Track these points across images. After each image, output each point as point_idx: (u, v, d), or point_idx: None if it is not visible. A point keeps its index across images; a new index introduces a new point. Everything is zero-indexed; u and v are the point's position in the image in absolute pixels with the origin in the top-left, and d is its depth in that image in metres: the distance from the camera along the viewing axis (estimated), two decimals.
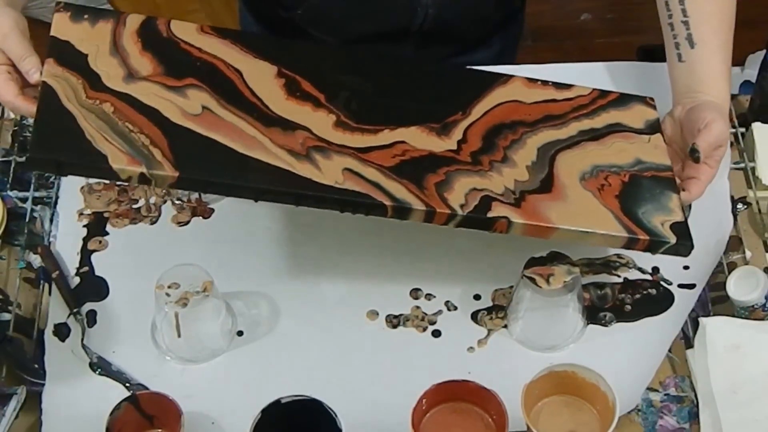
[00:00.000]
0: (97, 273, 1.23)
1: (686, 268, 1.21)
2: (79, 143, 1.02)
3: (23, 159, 1.31)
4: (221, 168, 1.05)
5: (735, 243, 1.24)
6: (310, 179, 1.06)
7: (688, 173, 1.17)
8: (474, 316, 1.20)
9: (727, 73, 1.22)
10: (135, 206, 1.28)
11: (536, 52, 2.45)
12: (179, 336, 1.14)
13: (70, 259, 1.24)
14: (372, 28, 1.40)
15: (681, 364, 1.16)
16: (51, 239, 1.26)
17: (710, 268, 1.22)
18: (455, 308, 1.20)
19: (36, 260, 1.23)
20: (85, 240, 1.25)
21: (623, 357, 1.16)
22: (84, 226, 1.26)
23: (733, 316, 1.17)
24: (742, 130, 1.34)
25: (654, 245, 1.11)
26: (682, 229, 1.12)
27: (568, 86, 1.23)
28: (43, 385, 1.14)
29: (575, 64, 1.41)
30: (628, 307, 1.20)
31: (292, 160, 1.07)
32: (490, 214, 1.08)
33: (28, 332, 1.18)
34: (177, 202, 1.28)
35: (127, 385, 1.14)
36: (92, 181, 1.29)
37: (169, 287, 1.12)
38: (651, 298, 1.20)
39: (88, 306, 1.20)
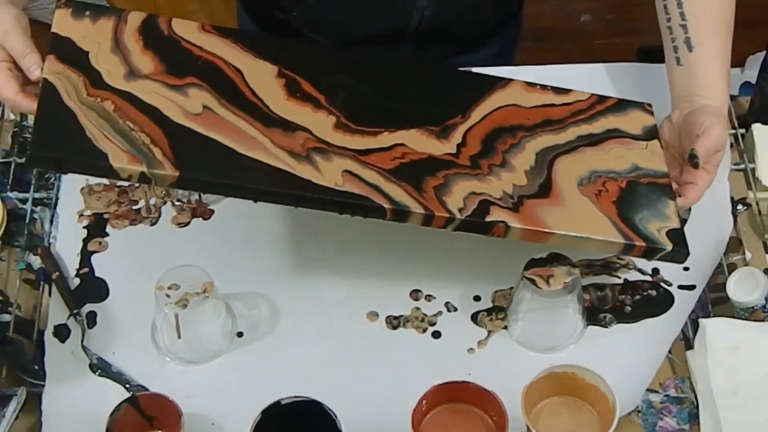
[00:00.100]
0: (97, 274, 1.23)
1: (686, 269, 1.21)
2: (79, 141, 1.02)
3: (23, 160, 1.31)
4: (221, 168, 1.05)
5: (735, 244, 1.24)
6: (310, 181, 1.06)
7: (685, 178, 1.17)
8: (474, 318, 1.20)
9: (726, 76, 1.22)
10: (135, 207, 1.28)
11: (536, 53, 2.45)
12: (179, 337, 1.14)
13: (70, 260, 1.24)
14: (368, 30, 1.40)
15: (681, 365, 1.16)
16: (51, 240, 1.26)
17: (710, 270, 1.22)
18: (455, 309, 1.20)
19: (36, 261, 1.23)
20: (85, 241, 1.25)
21: (623, 358, 1.16)
22: (84, 227, 1.26)
23: (733, 317, 1.17)
24: (742, 131, 1.34)
25: (650, 252, 1.11)
26: (678, 236, 1.12)
27: (566, 91, 1.23)
28: (43, 386, 1.14)
29: (575, 66, 1.41)
30: (628, 308, 1.20)
31: (292, 161, 1.07)
32: (488, 219, 1.08)
33: (28, 333, 1.18)
34: (177, 203, 1.28)
35: (127, 386, 1.14)
36: (92, 182, 1.29)
37: (169, 288, 1.12)
38: (651, 300, 1.20)
39: (88, 307, 1.20)
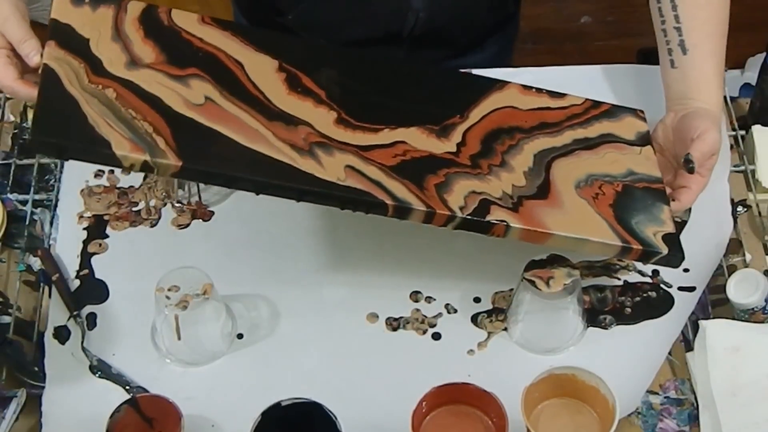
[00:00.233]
0: (97, 276, 1.23)
1: (686, 270, 1.21)
2: (81, 128, 1.01)
3: (23, 162, 1.31)
4: (224, 160, 1.04)
5: (735, 246, 1.24)
6: (313, 175, 1.05)
7: (679, 182, 1.17)
8: (474, 319, 1.20)
9: (720, 79, 1.22)
10: (135, 209, 1.28)
11: (536, 54, 2.45)
12: (179, 339, 1.14)
13: (70, 261, 1.24)
14: (363, 33, 1.40)
15: (681, 366, 1.16)
16: (51, 242, 1.26)
17: (710, 271, 1.22)
18: (455, 311, 1.20)
19: (36, 263, 1.23)
20: (85, 243, 1.25)
21: (623, 360, 1.16)
22: (84, 228, 1.26)
23: (733, 318, 1.17)
24: (742, 132, 1.34)
25: (646, 255, 1.11)
26: (673, 241, 1.12)
27: (561, 95, 1.23)
28: (43, 387, 1.14)
29: (575, 67, 1.41)
30: (628, 309, 1.20)
31: (294, 154, 1.06)
32: (488, 218, 1.08)
33: (28, 335, 1.18)
34: (177, 205, 1.28)
35: (127, 387, 1.14)
36: (92, 183, 1.29)
37: (169, 290, 1.12)
38: (651, 301, 1.21)
39: (88, 309, 1.20)
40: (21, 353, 1.16)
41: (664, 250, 1.11)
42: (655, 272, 1.22)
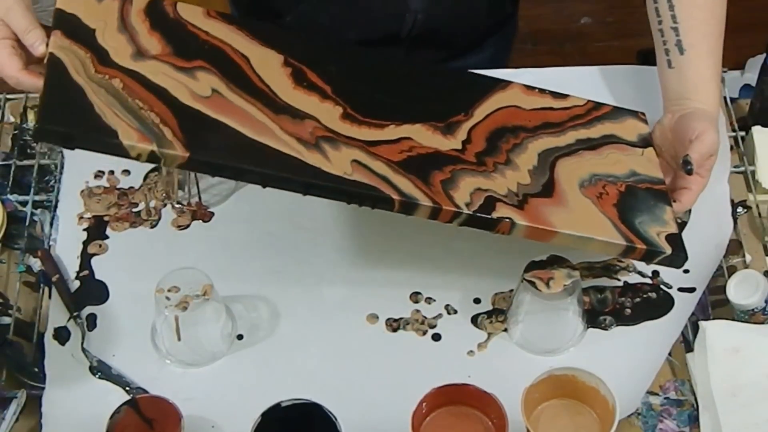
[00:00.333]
0: (97, 277, 1.23)
1: (686, 271, 1.21)
2: (88, 117, 1.01)
3: (23, 163, 1.31)
4: (231, 151, 1.04)
5: (735, 246, 1.24)
6: (320, 168, 1.05)
7: (679, 183, 1.17)
8: (474, 320, 1.19)
9: (718, 79, 1.22)
10: (135, 210, 1.28)
11: (536, 55, 2.45)
12: (179, 339, 1.14)
13: (70, 262, 1.24)
14: (361, 34, 1.40)
15: (681, 367, 1.16)
16: (51, 243, 1.26)
17: (710, 272, 1.22)
18: (455, 312, 1.20)
19: (36, 264, 1.23)
20: (85, 244, 1.25)
21: (623, 360, 1.16)
22: (84, 229, 1.26)
23: (733, 319, 1.17)
24: (742, 133, 1.34)
25: (650, 255, 1.11)
26: (676, 241, 1.12)
27: (564, 96, 1.24)
28: (43, 388, 1.14)
29: (575, 68, 1.41)
30: (628, 310, 1.20)
31: (301, 148, 1.06)
32: (494, 215, 1.08)
33: (28, 336, 1.18)
34: (177, 205, 1.28)
35: (127, 388, 1.14)
36: (92, 184, 1.29)
37: (169, 291, 1.12)
38: (651, 302, 1.20)
39: (88, 309, 1.20)
40: (21, 354, 1.16)
41: (668, 250, 1.11)
42: (655, 273, 1.22)
